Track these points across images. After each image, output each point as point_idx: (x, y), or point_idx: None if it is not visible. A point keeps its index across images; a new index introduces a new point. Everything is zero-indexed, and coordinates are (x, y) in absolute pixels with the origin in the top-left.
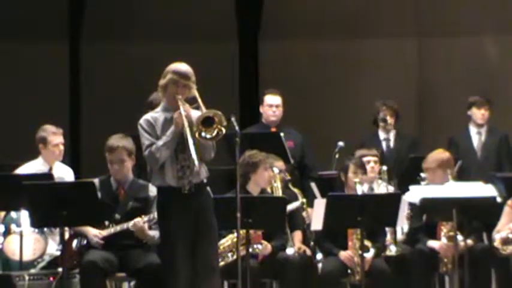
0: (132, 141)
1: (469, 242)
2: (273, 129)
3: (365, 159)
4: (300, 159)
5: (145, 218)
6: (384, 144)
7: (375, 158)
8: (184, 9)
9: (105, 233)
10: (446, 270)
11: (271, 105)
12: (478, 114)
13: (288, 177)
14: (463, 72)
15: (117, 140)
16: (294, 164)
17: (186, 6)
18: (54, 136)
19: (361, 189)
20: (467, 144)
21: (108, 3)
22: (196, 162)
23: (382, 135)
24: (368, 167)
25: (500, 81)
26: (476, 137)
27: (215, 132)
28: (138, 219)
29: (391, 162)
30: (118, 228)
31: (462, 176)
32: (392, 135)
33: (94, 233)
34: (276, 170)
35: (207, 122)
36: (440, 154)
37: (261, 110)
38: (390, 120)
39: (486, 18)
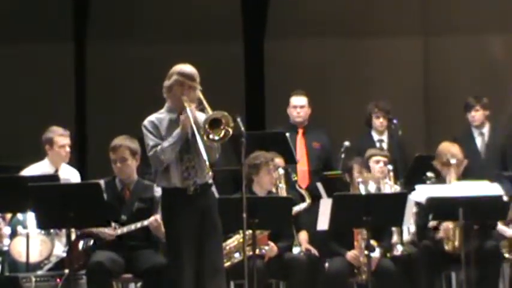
0: (137, 142)
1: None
2: (300, 130)
3: (375, 158)
4: (325, 161)
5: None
6: (377, 145)
7: (385, 159)
8: (190, 9)
9: (119, 232)
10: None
11: (296, 106)
12: (470, 117)
13: (295, 178)
14: (469, 71)
15: (120, 140)
16: (319, 165)
17: (192, 6)
18: (61, 137)
19: (364, 188)
20: (471, 145)
21: (114, 3)
22: (206, 159)
23: (375, 136)
24: (377, 167)
25: (507, 80)
26: (479, 138)
27: (222, 133)
28: (157, 216)
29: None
30: (132, 226)
31: (466, 176)
32: (385, 137)
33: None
34: (281, 171)
35: (214, 124)
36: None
37: (288, 111)
38: (383, 121)
39: (492, 17)
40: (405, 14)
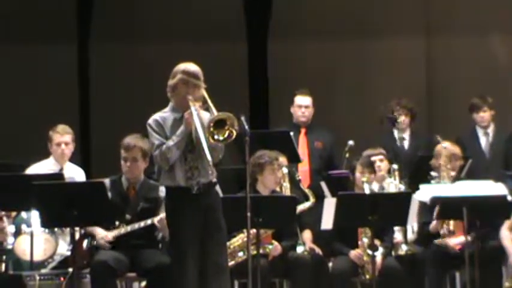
0: (148, 143)
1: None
2: (303, 129)
3: (371, 159)
4: (328, 160)
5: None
6: (398, 143)
7: (380, 157)
8: (194, 9)
9: (122, 230)
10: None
11: (300, 105)
12: (478, 117)
13: (299, 177)
14: (471, 71)
15: (134, 139)
16: (321, 164)
17: (195, 6)
18: (57, 135)
19: (368, 188)
20: (475, 145)
21: (117, 4)
22: (210, 160)
23: (397, 134)
24: (375, 166)
25: (509, 80)
26: (484, 138)
27: (227, 133)
28: (164, 215)
29: (404, 162)
30: (136, 226)
31: (471, 176)
32: (407, 135)
33: (102, 234)
34: (285, 170)
35: (218, 124)
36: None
37: (292, 110)
38: (405, 119)
39: (494, 17)
40: (407, 14)
